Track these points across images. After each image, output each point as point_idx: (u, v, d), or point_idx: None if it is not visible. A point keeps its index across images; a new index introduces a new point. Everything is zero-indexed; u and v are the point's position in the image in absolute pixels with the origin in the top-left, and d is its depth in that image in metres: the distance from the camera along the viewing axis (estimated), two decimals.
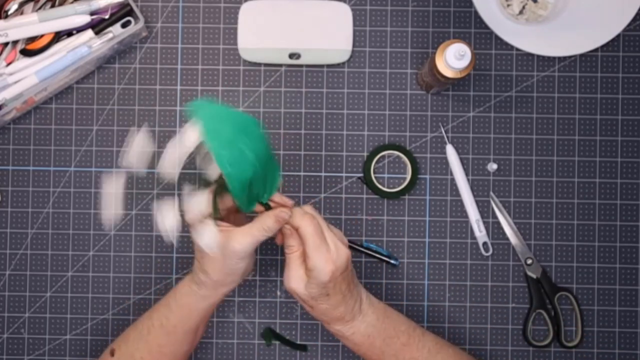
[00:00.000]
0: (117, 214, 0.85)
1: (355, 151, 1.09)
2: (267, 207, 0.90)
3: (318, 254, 0.87)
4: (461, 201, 1.08)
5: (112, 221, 0.85)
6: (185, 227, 1.06)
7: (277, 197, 0.91)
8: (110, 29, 1.05)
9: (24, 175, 1.09)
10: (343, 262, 0.88)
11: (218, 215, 0.88)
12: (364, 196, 1.09)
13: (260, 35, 1.07)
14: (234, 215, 0.92)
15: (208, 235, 0.86)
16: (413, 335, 0.94)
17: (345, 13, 1.08)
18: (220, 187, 0.89)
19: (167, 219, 0.87)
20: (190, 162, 0.87)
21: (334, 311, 0.90)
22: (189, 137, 0.84)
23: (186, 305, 0.91)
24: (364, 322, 0.92)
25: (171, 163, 0.85)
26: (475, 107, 1.09)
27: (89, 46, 1.04)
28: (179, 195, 0.85)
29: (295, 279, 0.88)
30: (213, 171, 0.89)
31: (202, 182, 0.87)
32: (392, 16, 1.09)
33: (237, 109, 0.78)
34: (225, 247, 0.86)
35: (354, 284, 0.91)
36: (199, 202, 0.87)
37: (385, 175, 1.09)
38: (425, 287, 1.08)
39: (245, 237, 0.86)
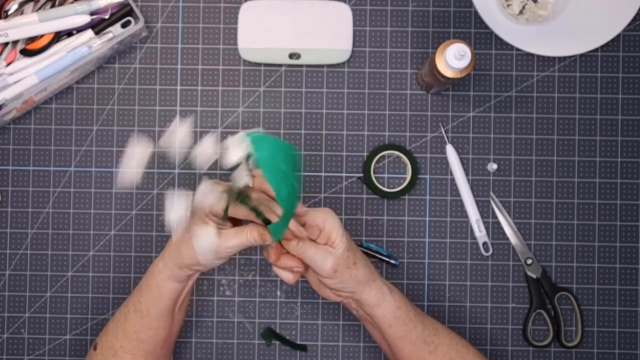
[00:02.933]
0: (138, 172, 0.89)
1: (355, 151, 1.09)
2: (260, 216, 0.89)
3: (313, 210, 0.90)
4: (461, 201, 1.08)
5: (132, 180, 0.88)
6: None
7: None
8: (110, 29, 1.05)
9: (24, 175, 1.09)
10: None
11: (226, 221, 0.89)
12: (364, 196, 1.09)
13: (260, 35, 1.07)
14: (235, 223, 0.93)
15: (206, 239, 0.86)
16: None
17: (345, 13, 1.08)
18: (239, 196, 0.88)
19: (173, 211, 0.87)
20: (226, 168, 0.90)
21: (366, 261, 0.92)
22: (234, 153, 0.85)
23: (154, 285, 0.92)
24: (391, 285, 0.94)
25: (205, 154, 0.88)
26: (475, 107, 1.09)
27: (89, 46, 1.04)
28: (191, 190, 0.87)
29: (323, 257, 0.89)
30: (239, 181, 0.88)
31: (230, 191, 0.88)
32: (392, 16, 1.09)
33: (281, 138, 0.81)
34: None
35: None
36: (212, 199, 0.87)
37: (385, 175, 1.09)
38: (425, 287, 1.08)
39: (234, 237, 0.87)
